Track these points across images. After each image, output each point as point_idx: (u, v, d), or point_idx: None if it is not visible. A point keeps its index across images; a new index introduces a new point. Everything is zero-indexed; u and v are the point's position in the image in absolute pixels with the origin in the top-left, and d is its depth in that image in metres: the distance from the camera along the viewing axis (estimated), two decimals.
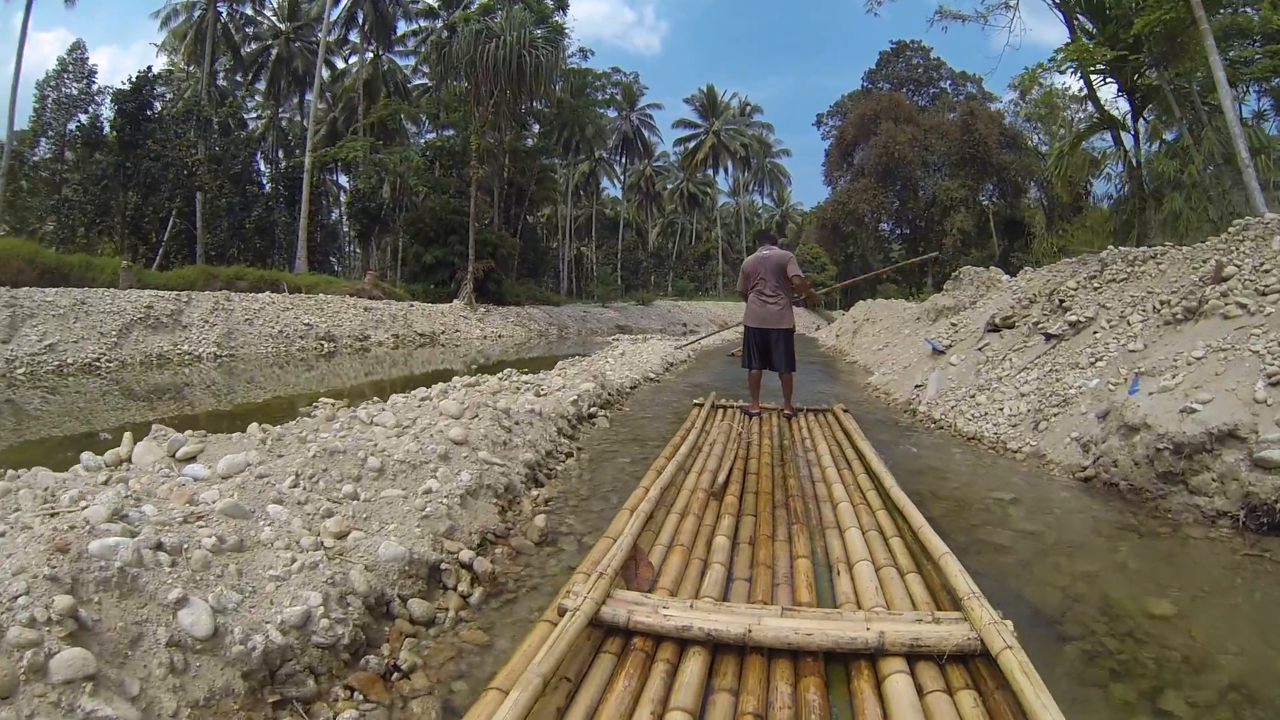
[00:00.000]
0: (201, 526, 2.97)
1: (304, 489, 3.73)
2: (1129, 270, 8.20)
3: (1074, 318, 7.90)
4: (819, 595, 3.05)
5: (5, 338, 16.19)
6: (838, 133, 54.29)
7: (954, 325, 11.79)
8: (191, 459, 4.55)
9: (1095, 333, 7.43)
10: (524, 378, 9.64)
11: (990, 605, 2.55)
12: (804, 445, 6.02)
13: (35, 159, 33.91)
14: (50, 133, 33.41)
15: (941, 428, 7.99)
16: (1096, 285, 8.40)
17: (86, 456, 4.65)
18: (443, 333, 27.48)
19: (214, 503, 3.32)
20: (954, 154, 45.79)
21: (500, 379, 9.51)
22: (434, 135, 42.80)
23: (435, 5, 42.25)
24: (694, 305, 57.28)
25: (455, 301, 31.30)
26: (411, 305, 28.30)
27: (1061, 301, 8.56)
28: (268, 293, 23.74)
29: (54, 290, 18.27)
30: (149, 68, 32.02)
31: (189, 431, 5.06)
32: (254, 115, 46.76)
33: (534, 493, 4.87)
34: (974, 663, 2.39)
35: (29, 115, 33.68)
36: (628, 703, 2.19)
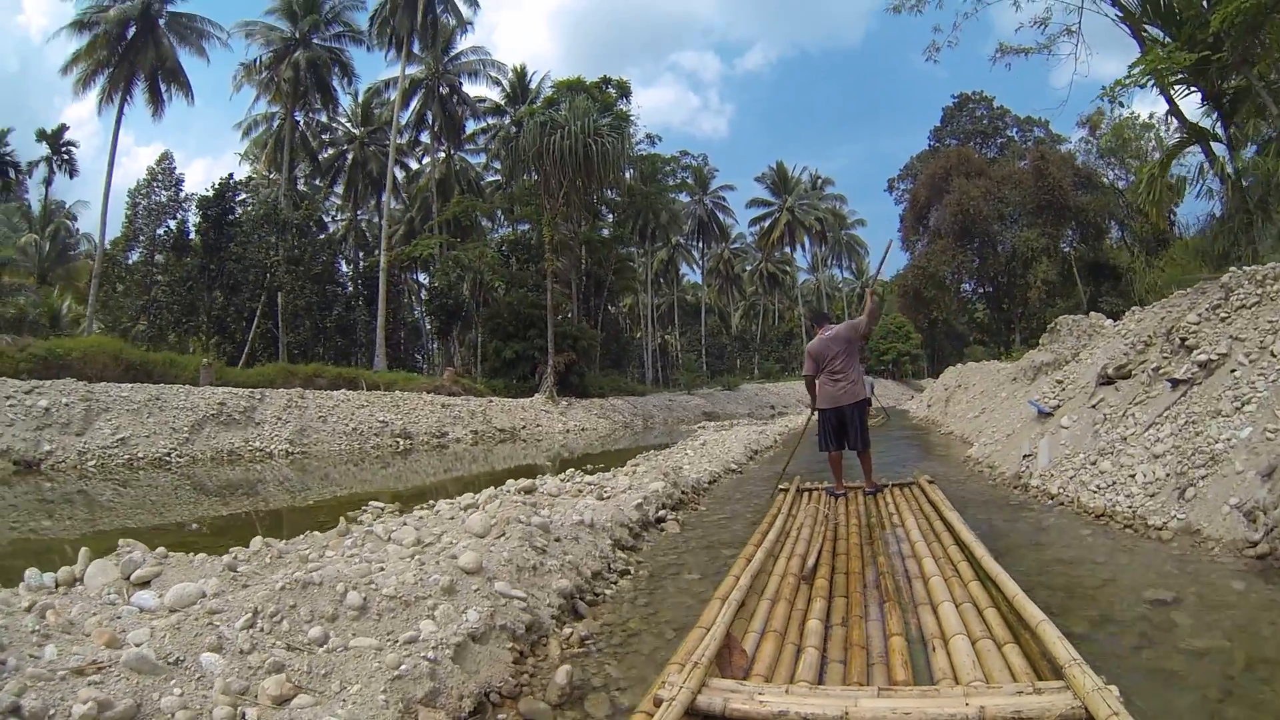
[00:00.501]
0: (90, 684, 2.53)
1: (260, 630, 3.11)
2: (1259, 293, 7.16)
3: (1203, 356, 6.80)
4: (915, 673, 3.02)
5: (80, 430, 16.82)
6: (910, 196, 53.39)
7: (1059, 383, 10.71)
8: (146, 584, 4.07)
9: (1233, 371, 6.37)
10: (587, 478, 9.02)
11: (1093, 671, 2.49)
12: (891, 521, 5.95)
13: (129, 262, 36.15)
14: (142, 238, 35.90)
15: (1061, 503, 6.95)
16: (1223, 315, 7.31)
17: (31, 574, 4.14)
18: (523, 428, 27.10)
19: (134, 646, 2.86)
20: (1029, 203, 44.33)
21: (563, 479, 9.04)
22: (509, 230, 44.23)
23: (502, 103, 44.01)
24: (780, 386, 57.05)
25: (536, 396, 31.24)
26: (490, 401, 28.29)
27: (1184, 340, 7.45)
28: (343, 390, 24.13)
29: (130, 386, 18.99)
30: (230, 175, 34.53)
31: (160, 548, 4.54)
32: (334, 218, 49.15)
33: (567, 630, 4.03)
34: None
35: (122, 222, 36.58)
36: None
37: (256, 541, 5.05)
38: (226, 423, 19.12)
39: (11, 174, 40.87)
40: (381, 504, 8.73)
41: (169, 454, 17.25)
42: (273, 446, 19.10)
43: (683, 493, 8.46)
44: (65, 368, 20.04)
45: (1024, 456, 8.91)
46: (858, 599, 3.97)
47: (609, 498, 7.30)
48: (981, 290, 51.30)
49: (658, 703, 2.53)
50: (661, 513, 7.32)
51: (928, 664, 3.08)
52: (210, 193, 33.62)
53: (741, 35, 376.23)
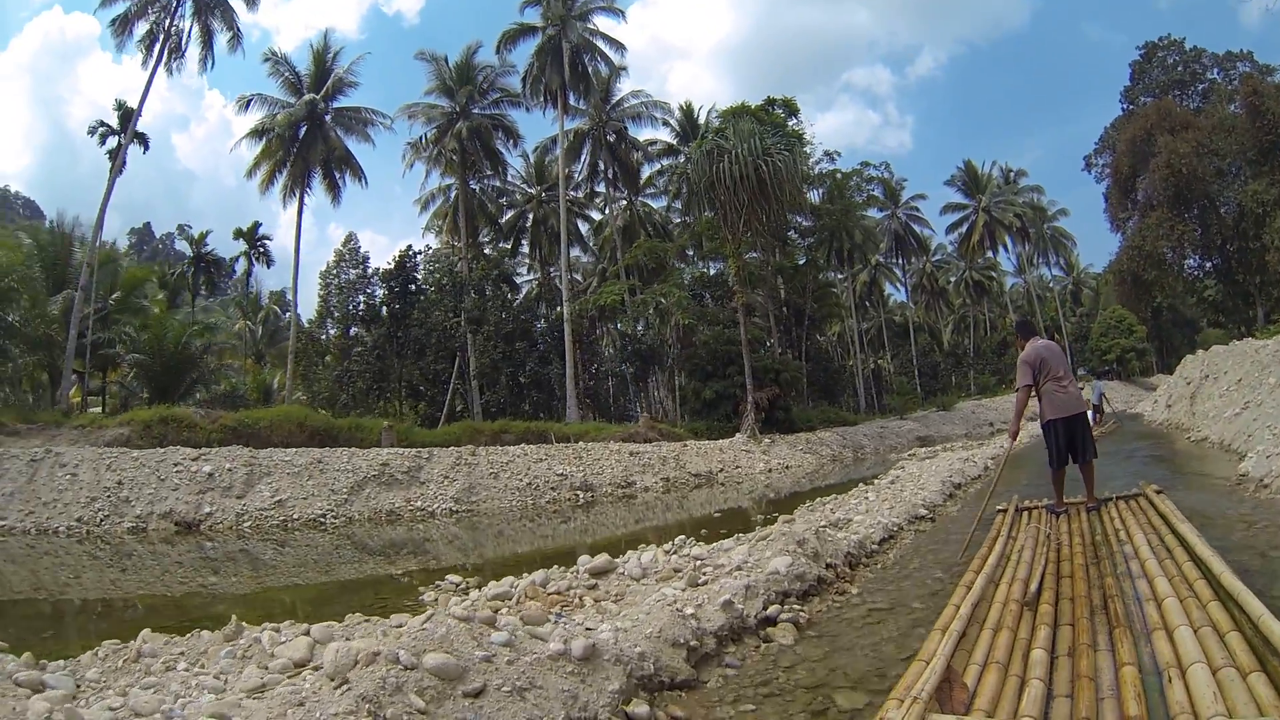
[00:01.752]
0: None
1: None
2: None
3: None
4: (1150, 708, 2.89)
5: (241, 494, 17.77)
6: (1111, 169, 47.63)
7: None
8: None
9: None
10: (701, 548, 7.82)
11: None
12: (1118, 538, 5.62)
13: (324, 337, 39.63)
14: (336, 314, 39.00)
15: None
16: None
17: None
18: (720, 470, 25.88)
19: None
20: (1249, 149, 38.03)
21: (667, 550, 8.08)
22: (702, 269, 44.23)
23: (674, 143, 44.42)
24: (997, 401, 53.74)
25: (738, 435, 30.32)
26: (685, 445, 27.53)
27: None
28: (522, 445, 23.88)
29: (293, 450, 19.80)
30: (409, 246, 37.25)
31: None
32: (526, 277, 51.40)
33: None
34: None
35: (316, 301, 40.33)
36: None
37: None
38: (388, 483, 19.35)
39: (213, 270, 46.75)
40: (459, 579, 9.27)
41: (323, 515, 17.75)
42: (436, 505, 19.01)
43: (827, 566, 6.14)
44: (254, 436, 21.57)
45: None
46: (1084, 626, 3.83)
47: (705, 583, 5.58)
48: (1209, 264, 45.22)
49: None
50: (773, 609, 5.06)
51: (1163, 697, 2.95)
52: (392, 265, 36.44)
53: (906, 42, 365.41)
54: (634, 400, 46.53)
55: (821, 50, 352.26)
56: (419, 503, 19.04)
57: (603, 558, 7.32)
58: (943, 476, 12.41)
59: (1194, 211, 41.18)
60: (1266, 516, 6.36)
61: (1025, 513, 7.39)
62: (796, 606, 5.25)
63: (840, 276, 52.43)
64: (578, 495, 20.99)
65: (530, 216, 47.58)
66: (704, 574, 5.91)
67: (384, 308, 36.21)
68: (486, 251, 44.96)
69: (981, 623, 4.05)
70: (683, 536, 9.02)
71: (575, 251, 50.34)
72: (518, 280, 48.91)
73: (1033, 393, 7.17)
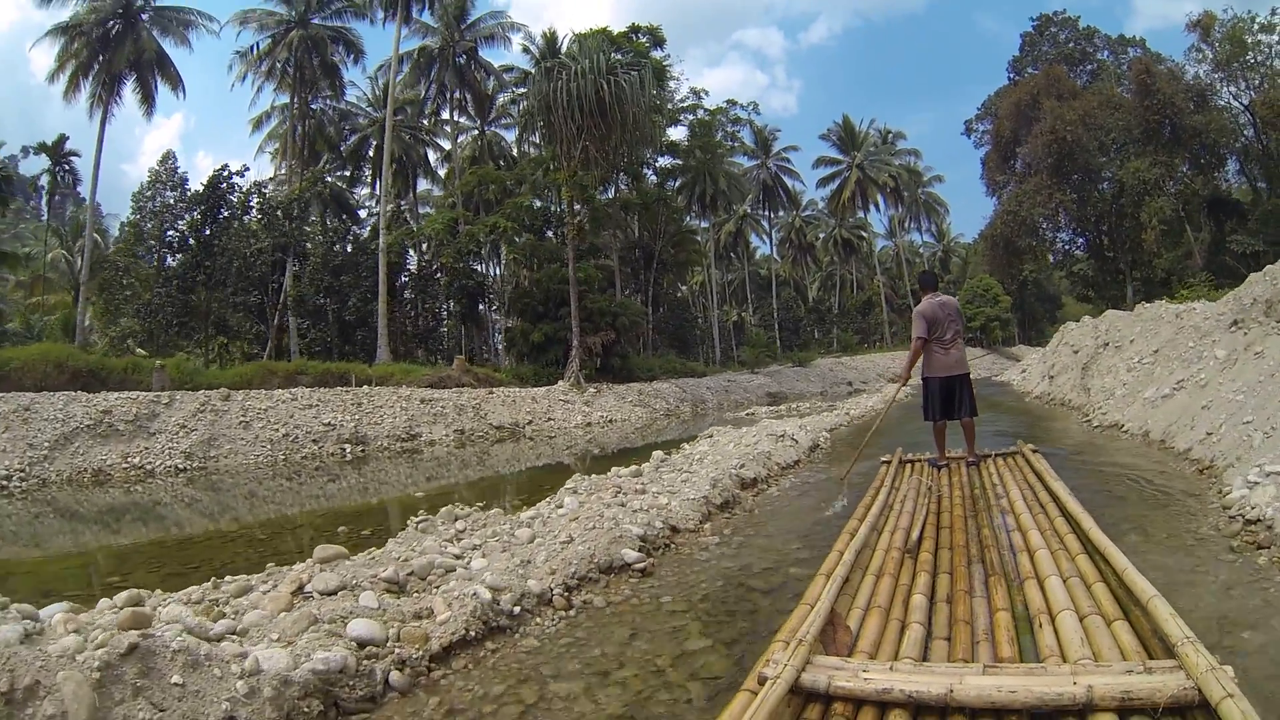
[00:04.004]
0: None
1: None
2: None
3: None
4: (1021, 650, 3.03)
5: None
6: (992, 133, 47.47)
7: None
8: None
9: None
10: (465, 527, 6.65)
11: (1207, 650, 2.43)
12: (995, 492, 5.86)
13: (134, 266, 34.97)
14: (152, 241, 34.68)
15: None
16: None
17: None
18: (529, 423, 23.16)
19: None
20: (1135, 127, 38.63)
21: (417, 526, 6.86)
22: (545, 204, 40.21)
23: (531, 70, 39.41)
24: (859, 360, 53.90)
25: (560, 383, 28.01)
26: (491, 393, 24.70)
27: None
28: (304, 390, 21.17)
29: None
30: (224, 166, 32.51)
31: None
32: (367, 209, 47.05)
33: None
34: (1191, 715, 2.32)
35: (125, 226, 36.28)
36: None
37: None
38: (106, 435, 16.55)
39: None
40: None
41: (9, 476, 14.82)
42: (160, 462, 16.32)
43: (493, 616, 4.18)
44: (4, 379, 18.75)
45: None
46: (962, 574, 3.97)
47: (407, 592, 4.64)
48: (1082, 238, 46.06)
49: (762, 680, 2.60)
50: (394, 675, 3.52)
51: (1034, 641, 3.10)
52: (202, 188, 32.23)
53: (803, 9, 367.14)
54: (479, 345, 43.69)
55: (719, 4, 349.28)
56: (138, 459, 16.25)
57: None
58: (726, 469, 8.14)
59: (1074, 180, 41.73)
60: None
61: (908, 465, 7.62)
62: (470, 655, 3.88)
63: (704, 225, 50.72)
64: (344, 449, 18.55)
65: (375, 143, 42.40)
66: (398, 585, 4.68)
67: (194, 234, 31.81)
68: (328, 180, 41.60)
69: (865, 569, 4.15)
70: (448, 507, 7.55)
71: (426, 185, 47.70)
72: (368, 214, 45.16)
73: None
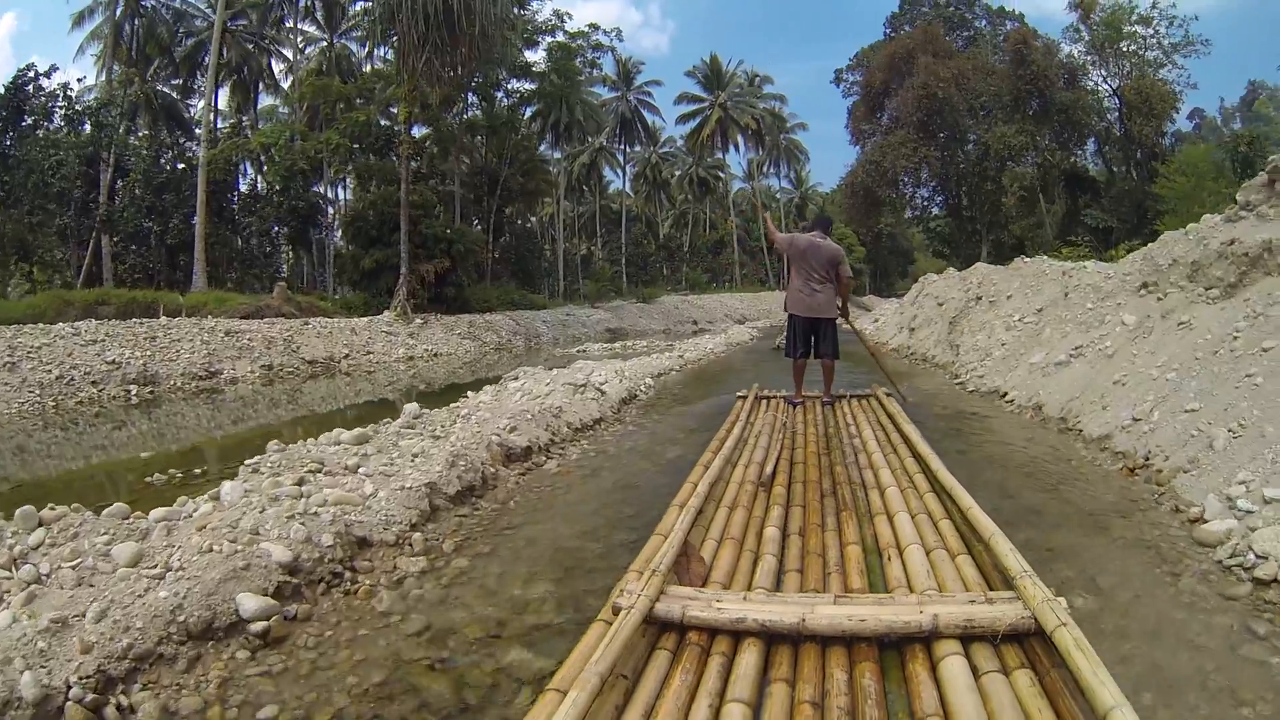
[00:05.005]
0: None
1: None
2: None
3: None
4: (870, 581, 3.12)
5: None
6: (864, 81, 46.83)
7: None
8: None
9: None
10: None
11: (1043, 583, 2.54)
12: (849, 432, 6.06)
13: None
14: None
15: None
16: None
17: None
18: (346, 357, 21.29)
19: None
20: (1007, 94, 39.64)
21: None
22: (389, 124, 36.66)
23: None
24: (707, 299, 52.71)
25: (384, 314, 26.10)
26: (306, 323, 22.35)
27: None
28: (76, 324, 17.77)
29: None
30: (30, 65, 28.86)
31: None
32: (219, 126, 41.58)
33: None
34: (1029, 642, 2.44)
35: None
36: (685, 697, 2.27)
37: None
38: None
39: None
40: None
41: None
42: None
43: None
44: None
45: None
46: (815, 508, 4.06)
47: None
48: (941, 196, 46.96)
49: (616, 610, 2.55)
50: None
51: (883, 573, 3.18)
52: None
53: None
54: (316, 273, 40.62)
55: None
56: None
57: None
58: (487, 435, 6.06)
59: (940, 139, 42.49)
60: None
61: (763, 400, 7.75)
62: None
63: (558, 155, 48.96)
64: (130, 391, 15.90)
65: (210, 49, 36.70)
66: None
67: None
68: (162, 87, 37.44)
69: (718, 501, 4.18)
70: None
71: (272, 101, 43.91)
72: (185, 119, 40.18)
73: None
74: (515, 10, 29.62)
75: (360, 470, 5.11)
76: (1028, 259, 14.14)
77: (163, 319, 19.24)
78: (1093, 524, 4.13)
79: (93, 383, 15.52)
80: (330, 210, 40.34)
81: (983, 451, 6.02)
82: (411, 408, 7.62)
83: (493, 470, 5.48)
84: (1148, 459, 5.08)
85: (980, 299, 13.54)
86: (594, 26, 47.12)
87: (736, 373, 12.01)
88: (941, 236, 50.22)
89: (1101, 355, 7.42)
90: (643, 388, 10.27)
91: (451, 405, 8.32)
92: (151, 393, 15.95)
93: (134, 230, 30.45)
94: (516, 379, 10.16)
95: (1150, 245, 8.61)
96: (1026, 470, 5.36)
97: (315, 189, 36.76)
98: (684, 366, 13.99)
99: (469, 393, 9.61)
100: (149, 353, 17.15)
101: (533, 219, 53.09)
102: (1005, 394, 8.58)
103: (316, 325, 22.14)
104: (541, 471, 5.92)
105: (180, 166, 33.48)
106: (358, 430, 6.31)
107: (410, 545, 4.15)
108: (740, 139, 61.93)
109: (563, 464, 6.07)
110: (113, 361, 16.30)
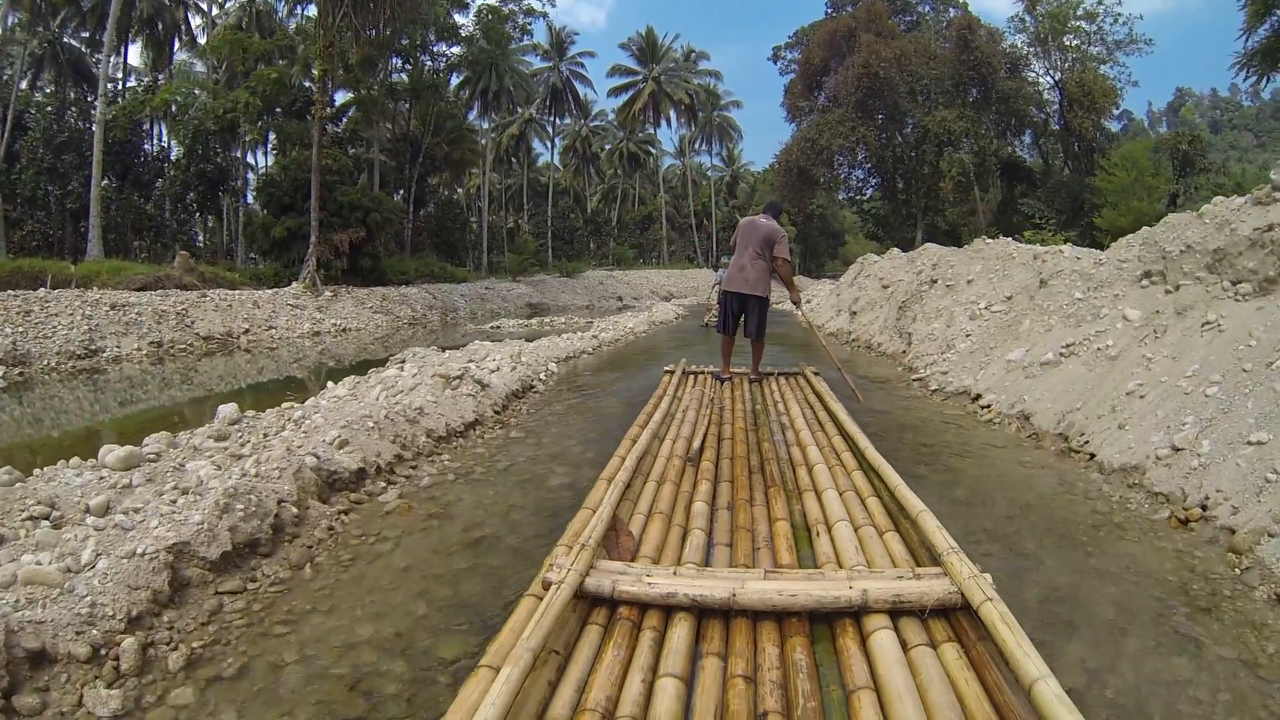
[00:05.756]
0: None
1: None
2: None
3: None
4: (800, 557, 3.17)
5: None
6: (802, 58, 46.45)
7: None
8: None
9: None
10: None
11: (969, 560, 2.59)
12: (777, 409, 6.11)
13: None
14: None
15: None
16: None
17: None
18: (246, 332, 19.98)
19: None
20: (948, 78, 39.90)
21: None
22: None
23: None
24: (633, 275, 52.22)
25: (293, 285, 24.70)
26: (204, 296, 20.89)
27: None
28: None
29: None
30: None
31: None
32: (118, 81, 39.02)
33: None
34: (955, 616, 2.51)
35: None
36: (618, 672, 2.25)
37: None
38: None
39: None
40: None
41: None
42: None
43: None
44: None
45: None
46: (743, 484, 4.08)
47: None
48: (876, 177, 46.81)
49: (546, 585, 2.53)
50: None
51: (812, 549, 3.23)
52: None
53: None
54: (229, 242, 38.62)
55: None
56: None
57: None
58: (304, 456, 4.35)
59: (877, 121, 42.58)
60: None
61: (691, 376, 7.77)
62: None
63: (486, 125, 47.92)
64: None
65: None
66: None
67: None
68: (72, 40, 35.31)
69: (646, 475, 4.17)
70: None
71: (188, 57, 42.06)
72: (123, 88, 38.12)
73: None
74: None
75: (112, 512, 3.93)
76: (989, 240, 13.06)
77: (41, 291, 17.65)
78: (1164, 623, 2.87)
79: None
80: (251, 176, 38.34)
81: (974, 489, 4.57)
82: (228, 410, 6.41)
83: (298, 511, 3.85)
84: (1205, 506, 3.92)
85: (935, 282, 12.38)
86: None
87: (659, 356, 11.17)
88: (875, 218, 50.50)
89: (1102, 356, 6.34)
90: (542, 376, 9.06)
91: (285, 405, 6.97)
92: (21, 374, 13.99)
93: (31, 194, 28.76)
94: (402, 364, 9.18)
95: (1151, 228, 7.49)
96: (1045, 524, 3.94)
97: (233, 154, 35.31)
98: (598, 349, 12.93)
99: (330, 383, 8.63)
100: (22, 329, 15.41)
101: (459, 190, 52.06)
102: (978, 396, 7.35)
103: (215, 298, 20.74)
104: (373, 506, 4.31)
105: (85, 125, 31.51)
106: (129, 448, 5.04)
107: (115, 660, 2.56)
108: (673, 114, 61.84)
109: (405, 494, 4.53)
110: None
